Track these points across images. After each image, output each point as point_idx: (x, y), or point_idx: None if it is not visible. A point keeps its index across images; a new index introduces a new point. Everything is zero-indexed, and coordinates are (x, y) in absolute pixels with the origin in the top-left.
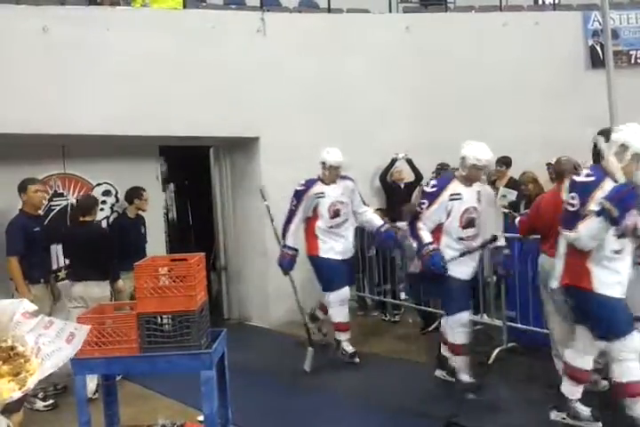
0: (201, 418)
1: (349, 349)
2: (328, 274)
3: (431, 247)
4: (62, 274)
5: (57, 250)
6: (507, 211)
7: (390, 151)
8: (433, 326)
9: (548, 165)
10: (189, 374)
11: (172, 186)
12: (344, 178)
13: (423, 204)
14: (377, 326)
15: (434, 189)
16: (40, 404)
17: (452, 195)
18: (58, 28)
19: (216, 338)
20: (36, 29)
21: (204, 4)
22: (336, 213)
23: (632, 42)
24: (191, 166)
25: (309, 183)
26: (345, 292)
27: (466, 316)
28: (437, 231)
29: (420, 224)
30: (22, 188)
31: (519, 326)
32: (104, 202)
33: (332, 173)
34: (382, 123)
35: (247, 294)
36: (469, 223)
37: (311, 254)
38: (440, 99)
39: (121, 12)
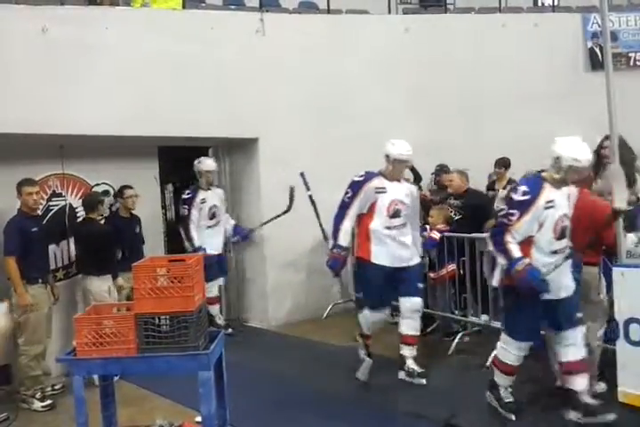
0: (199, 419)
1: (415, 367)
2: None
3: (526, 261)
4: (60, 274)
5: (54, 250)
6: None
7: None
8: (431, 328)
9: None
10: (187, 375)
11: (170, 186)
12: (407, 181)
13: (512, 215)
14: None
15: (526, 198)
16: (38, 404)
17: (547, 202)
18: (57, 28)
19: (214, 339)
20: (35, 29)
21: (204, 4)
22: (396, 213)
23: (631, 44)
24: (190, 167)
25: (369, 175)
26: (415, 301)
27: (527, 346)
28: (525, 245)
29: (508, 237)
30: (18, 189)
31: None
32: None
33: (396, 169)
34: (381, 124)
35: (246, 295)
36: (563, 233)
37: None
38: (439, 100)
39: (120, 12)
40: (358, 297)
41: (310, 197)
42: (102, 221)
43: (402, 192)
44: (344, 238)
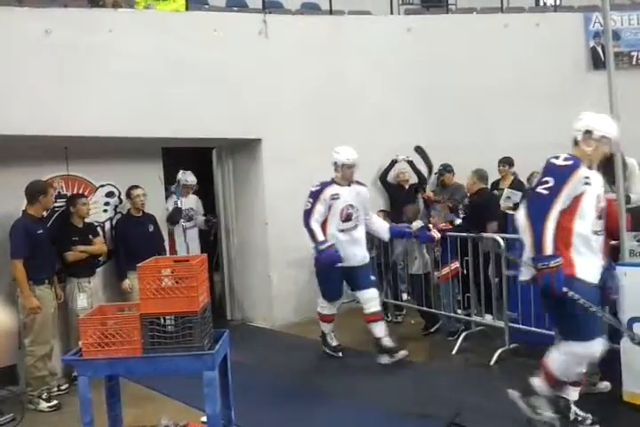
0: (204, 419)
1: (391, 344)
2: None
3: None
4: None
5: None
6: (512, 212)
7: (392, 153)
8: (435, 328)
9: None
10: (192, 375)
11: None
12: (359, 184)
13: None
14: None
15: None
16: (44, 405)
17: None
18: (60, 30)
19: (219, 339)
20: (39, 31)
21: (207, 6)
22: (348, 217)
23: (633, 43)
24: (194, 168)
25: (324, 184)
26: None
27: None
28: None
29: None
30: (42, 190)
31: (521, 326)
32: (107, 203)
33: (345, 173)
34: (384, 124)
35: (250, 295)
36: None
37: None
38: (442, 100)
39: (123, 14)
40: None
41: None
42: (107, 223)
43: (352, 196)
44: (320, 234)
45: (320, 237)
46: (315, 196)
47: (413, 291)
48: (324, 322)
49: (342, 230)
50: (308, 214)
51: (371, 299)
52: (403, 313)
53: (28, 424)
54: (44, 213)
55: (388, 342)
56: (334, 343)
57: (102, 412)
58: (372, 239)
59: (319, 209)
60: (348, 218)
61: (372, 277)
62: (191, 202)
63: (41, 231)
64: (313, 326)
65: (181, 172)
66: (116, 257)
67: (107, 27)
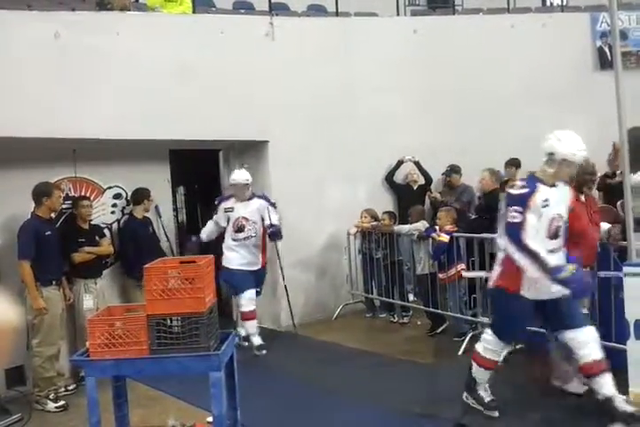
0: (210, 419)
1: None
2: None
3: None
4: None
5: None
6: None
7: (399, 154)
8: (441, 329)
9: None
10: (199, 376)
11: (181, 189)
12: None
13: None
14: (385, 327)
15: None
16: (51, 405)
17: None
18: (69, 34)
19: (225, 340)
20: (48, 35)
21: (214, 8)
22: (240, 229)
23: None
24: (201, 170)
25: (222, 198)
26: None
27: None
28: None
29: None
30: (46, 192)
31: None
32: (115, 205)
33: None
34: (391, 125)
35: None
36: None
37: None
38: (448, 101)
39: (131, 18)
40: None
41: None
42: (114, 225)
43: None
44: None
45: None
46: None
47: (420, 291)
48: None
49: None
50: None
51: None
52: (409, 314)
53: (36, 424)
54: (52, 215)
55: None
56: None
57: (109, 412)
58: (377, 240)
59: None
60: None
61: None
62: (250, 207)
63: (49, 233)
64: (319, 328)
65: (233, 172)
66: (127, 259)
67: (114, 30)
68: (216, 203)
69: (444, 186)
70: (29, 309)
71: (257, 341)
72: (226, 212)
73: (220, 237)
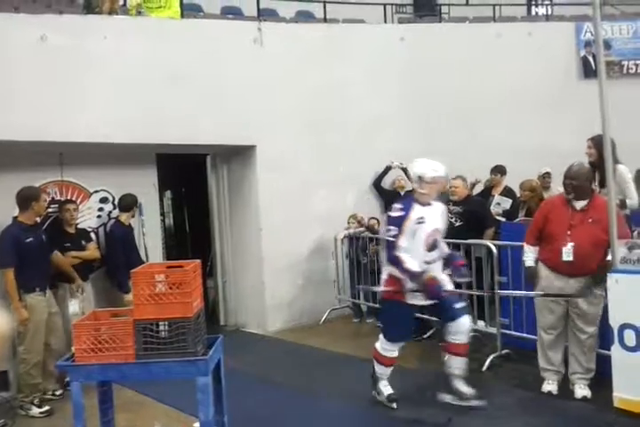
0: (197, 425)
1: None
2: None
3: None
4: None
5: None
6: (502, 219)
7: (386, 160)
8: (428, 334)
9: (545, 174)
10: (186, 381)
11: (169, 193)
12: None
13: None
14: (372, 332)
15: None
16: (36, 410)
17: (417, 218)
18: (56, 37)
19: (212, 344)
20: (35, 38)
21: (202, 13)
22: (433, 246)
23: (624, 52)
24: (188, 174)
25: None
26: None
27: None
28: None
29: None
30: (34, 196)
31: (513, 332)
32: (101, 209)
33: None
34: (378, 132)
35: (243, 301)
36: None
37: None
38: (435, 108)
39: (118, 21)
40: None
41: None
42: (101, 229)
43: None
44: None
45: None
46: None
47: None
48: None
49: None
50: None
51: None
52: None
53: None
54: (37, 220)
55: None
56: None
57: (95, 417)
58: (365, 245)
59: None
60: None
61: None
62: (436, 213)
63: (30, 239)
64: (306, 333)
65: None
66: (114, 266)
67: (102, 33)
68: (399, 214)
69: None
70: (14, 316)
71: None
72: (418, 223)
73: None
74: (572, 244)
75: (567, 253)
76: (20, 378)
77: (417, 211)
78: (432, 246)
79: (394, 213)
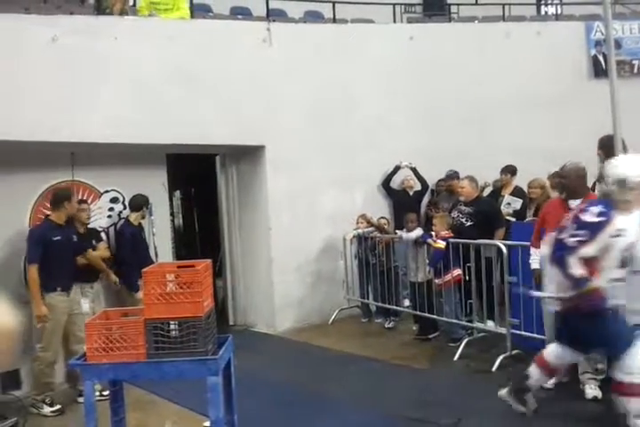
0: (207, 424)
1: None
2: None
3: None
4: None
5: None
6: (512, 219)
7: (394, 160)
8: (433, 335)
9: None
10: (196, 380)
11: (178, 193)
12: None
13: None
14: (381, 332)
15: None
16: (47, 409)
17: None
18: (67, 38)
19: (222, 344)
20: (46, 39)
21: (211, 14)
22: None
23: (635, 51)
24: (197, 174)
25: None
26: None
27: None
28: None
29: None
30: (67, 196)
31: (523, 333)
32: (111, 209)
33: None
34: (386, 132)
35: (253, 301)
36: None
37: None
38: (444, 108)
39: (129, 22)
40: None
41: None
42: (111, 229)
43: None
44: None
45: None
46: None
47: (415, 297)
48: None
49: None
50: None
51: None
52: (396, 319)
53: None
54: (66, 220)
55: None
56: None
57: (106, 416)
58: (374, 245)
59: None
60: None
61: None
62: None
63: (58, 238)
64: (315, 332)
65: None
66: (125, 265)
67: (112, 34)
68: (597, 220)
69: (445, 190)
70: (34, 314)
71: None
72: (615, 236)
73: None
74: None
75: None
76: (35, 376)
77: (617, 221)
78: (624, 262)
79: (589, 218)
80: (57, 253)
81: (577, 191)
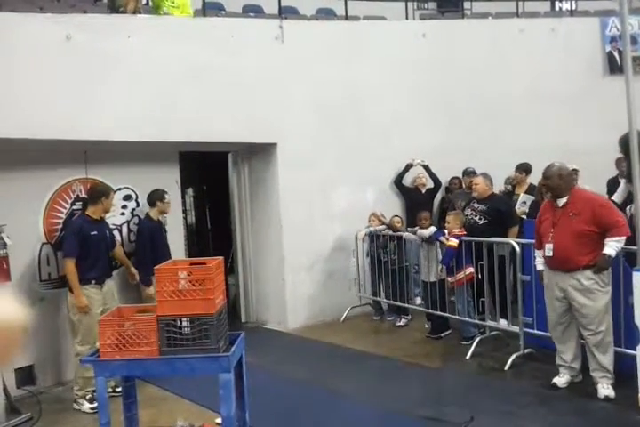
0: (219, 420)
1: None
2: None
3: None
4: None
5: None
6: (526, 217)
7: (406, 158)
8: (445, 334)
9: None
10: (208, 377)
11: (191, 191)
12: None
13: None
14: (392, 330)
15: None
16: (87, 406)
17: None
18: (81, 36)
19: (234, 341)
20: (60, 37)
21: (223, 12)
22: None
23: None
24: (210, 171)
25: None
26: None
27: None
28: None
29: None
30: (105, 193)
31: (536, 331)
32: (125, 206)
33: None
34: (399, 128)
35: (264, 298)
36: None
37: None
38: (457, 105)
39: (142, 21)
40: None
41: None
42: (124, 226)
43: None
44: None
45: None
46: None
47: (428, 297)
48: None
49: None
50: None
51: None
52: (408, 317)
53: (45, 424)
54: (103, 215)
55: None
56: None
57: (119, 412)
58: (386, 243)
59: None
60: None
61: None
62: None
63: (95, 232)
64: (326, 330)
65: None
66: (139, 260)
67: (125, 32)
68: None
69: (467, 187)
70: (70, 306)
71: None
72: None
73: None
74: (553, 239)
75: (548, 248)
76: (76, 371)
77: None
78: None
79: None
80: (93, 248)
81: (561, 189)
